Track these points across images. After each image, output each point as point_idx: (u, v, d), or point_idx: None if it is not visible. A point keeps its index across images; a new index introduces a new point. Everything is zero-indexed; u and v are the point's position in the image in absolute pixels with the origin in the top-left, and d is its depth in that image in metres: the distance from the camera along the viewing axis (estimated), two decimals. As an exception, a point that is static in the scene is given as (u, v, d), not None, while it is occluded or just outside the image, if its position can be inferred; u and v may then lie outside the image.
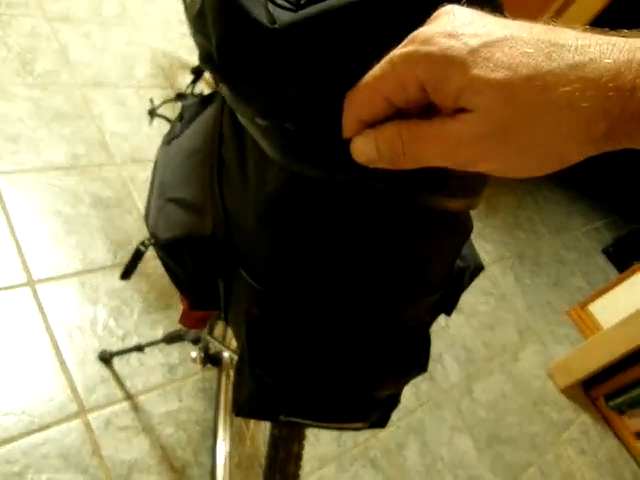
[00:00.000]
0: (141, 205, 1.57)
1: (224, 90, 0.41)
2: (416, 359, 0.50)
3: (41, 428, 1.12)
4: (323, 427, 0.53)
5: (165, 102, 1.25)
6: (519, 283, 2.34)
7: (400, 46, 0.29)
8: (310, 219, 0.39)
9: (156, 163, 0.62)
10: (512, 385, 1.91)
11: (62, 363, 1.21)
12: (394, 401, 0.54)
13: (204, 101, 0.63)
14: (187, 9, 0.46)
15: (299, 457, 0.69)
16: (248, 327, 0.45)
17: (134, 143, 1.70)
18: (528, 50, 0.26)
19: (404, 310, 0.46)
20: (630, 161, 3.33)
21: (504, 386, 1.89)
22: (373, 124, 0.32)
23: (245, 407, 0.53)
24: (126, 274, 0.60)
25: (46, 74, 1.68)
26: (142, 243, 0.55)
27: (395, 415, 1.63)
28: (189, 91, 0.77)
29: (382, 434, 1.51)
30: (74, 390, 1.19)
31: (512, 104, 0.26)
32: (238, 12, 0.34)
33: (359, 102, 0.32)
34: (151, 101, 1.23)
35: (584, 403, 2.03)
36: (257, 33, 0.34)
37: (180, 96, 1.16)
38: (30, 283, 1.27)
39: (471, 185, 0.38)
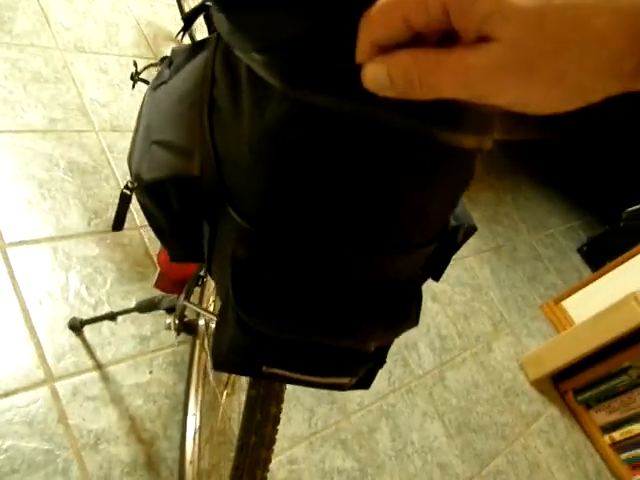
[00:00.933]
0: (119, 173, 1.53)
1: (222, 24, 0.39)
2: (407, 311, 0.48)
3: (6, 394, 1.08)
4: (306, 383, 0.51)
5: (148, 66, 1.21)
6: (495, 276, 2.35)
7: None
8: (308, 152, 0.37)
9: (142, 107, 0.60)
10: (484, 375, 1.92)
11: (31, 329, 1.17)
12: (381, 358, 0.52)
13: (195, 48, 0.60)
14: None
15: (277, 419, 0.67)
16: (234, 269, 0.43)
17: (114, 111, 1.66)
18: None
19: (397, 260, 0.45)
20: (608, 165, 3.39)
21: (476, 375, 1.89)
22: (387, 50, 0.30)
23: (225, 358, 0.51)
24: (117, 224, 0.57)
25: (25, 35, 1.63)
26: (125, 187, 0.53)
27: (367, 399, 1.62)
28: (179, 39, 0.74)
29: (354, 417, 1.50)
30: (42, 357, 1.15)
31: (540, 34, 0.25)
32: None
33: (375, 23, 0.30)
34: (135, 64, 1.19)
35: (553, 396, 2.06)
36: None
37: (165, 59, 1.13)
38: (1, 246, 1.23)
39: (484, 120, 0.36)
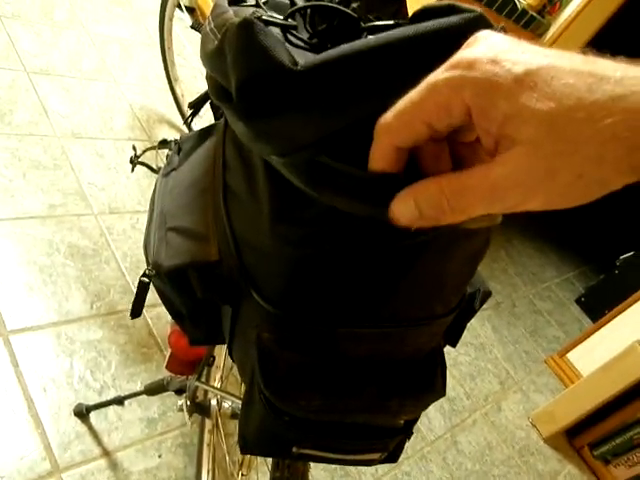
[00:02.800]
0: (119, 255, 1.54)
1: (239, 127, 0.39)
2: (433, 382, 0.48)
3: (10, 490, 1.04)
4: (336, 461, 0.50)
5: (147, 150, 1.24)
6: (497, 333, 2.34)
7: (441, 70, 0.29)
8: (334, 239, 0.38)
9: (154, 194, 0.61)
10: (496, 435, 1.88)
11: (35, 418, 1.14)
12: (409, 430, 0.52)
13: (203, 134, 0.62)
14: (201, 45, 0.46)
15: (303, 500, 0.66)
16: (260, 351, 0.44)
17: (112, 194, 1.69)
18: (570, 81, 0.26)
19: (420, 332, 0.45)
20: (598, 214, 3.45)
21: (488, 436, 1.85)
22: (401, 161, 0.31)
23: (254, 441, 0.50)
24: (135, 312, 0.57)
25: (24, 125, 1.67)
26: (143, 274, 0.53)
27: (381, 469, 1.58)
28: (187, 125, 0.77)
29: (369, 489, 1.46)
30: (47, 447, 1.12)
31: (557, 135, 0.26)
32: (262, 53, 0.34)
33: (396, 128, 0.30)
34: (134, 148, 1.22)
35: (569, 452, 2.01)
36: (280, 74, 0.33)
37: (164, 142, 1.16)
38: (3, 333, 1.22)
39: None
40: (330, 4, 0.39)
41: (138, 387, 1.29)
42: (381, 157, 0.32)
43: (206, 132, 0.62)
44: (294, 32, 0.38)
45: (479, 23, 0.32)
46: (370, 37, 0.33)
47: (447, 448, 1.72)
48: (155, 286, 0.55)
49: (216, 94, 0.41)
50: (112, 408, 1.22)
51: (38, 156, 1.63)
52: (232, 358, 0.55)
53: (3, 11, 1.95)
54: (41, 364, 1.22)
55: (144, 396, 1.17)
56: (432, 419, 1.77)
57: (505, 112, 0.27)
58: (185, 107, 2.00)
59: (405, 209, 0.31)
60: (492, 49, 0.28)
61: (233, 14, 0.40)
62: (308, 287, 0.41)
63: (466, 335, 2.17)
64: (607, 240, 3.35)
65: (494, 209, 0.29)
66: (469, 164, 0.30)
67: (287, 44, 0.37)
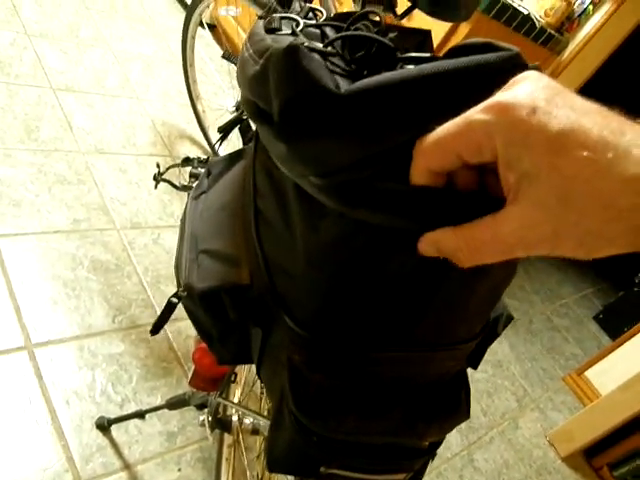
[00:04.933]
0: (140, 269, 1.56)
1: (278, 148, 0.40)
2: (458, 405, 0.49)
3: (34, 501, 1.06)
4: (363, 481, 0.51)
5: (170, 167, 1.27)
6: (514, 350, 2.33)
7: (479, 109, 0.30)
8: (363, 263, 0.39)
9: (184, 216, 0.63)
10: (513, 453, 1.87)
11: (58, 430, 1.16)
12: (434, 451, 0.52)
13: (232, 158, 0.64)
14: (239, 70, 0.47)
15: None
16: (291, 374, 0.45)
17: (134, 209, 1.72)
18: (592, 154, 0.27)
19: (445, 356, 0.46)
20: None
21: (505, 454, 1.84)
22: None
23: (282, 460, 0.51)
24: (156, 329, 0.59)
25: (50, 141, 1.71)
26: (174, 295, 0.55)
27: (398, 486, 1.56)
28: (216, 148, 0.79)
29: (386, 506, 1.46)
30: (70, 459, 1.14)
31: (565, 203, 0.27)
32: (307, 76, 0.35)
33: (430, 154, 0.32)
34: (157, 166, 1.25)
35: (587, 472, 1.99)
36: (324, 97, 0.34)
37: (187, 160, 1.18)
38: (28, 347, 1.25)
39: None
40: (369, 34, 0.40)
41: (158, 401, 1.31)
42: (417, 176, 0.34)
43: (235, 156, 0.64)
44: (333, 60, 0.39)
45: (515, 62, 0.34)
46: (410, 67, 0.34)
47: (463, 466, 1.71)
48: (185, 307, 0.57)
49: (255, 116, 0.42)
50: (133, 421, 1.24)
51: (63, 171, 1.67)
52: (260, 377, 0.56)
53: (32, 30, 2.01)
54: (64, 377, 1.24)
55: (164, 410, 1.19)
56: (449, 436, 1.76)
57: (526, 168, 0.28)
58: (206, 123, 2.03)
59: (430, 252, 0.35)
60: (531, 96, 0.29)
61: (272, 42, 0.42)
62: (340, 312, 0.42)
63: (483, 352, 2.16)
64: (626, 257, 3.31)
65: (506, 258, 0.32)
66: (492, 190, 0.33)
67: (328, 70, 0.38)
